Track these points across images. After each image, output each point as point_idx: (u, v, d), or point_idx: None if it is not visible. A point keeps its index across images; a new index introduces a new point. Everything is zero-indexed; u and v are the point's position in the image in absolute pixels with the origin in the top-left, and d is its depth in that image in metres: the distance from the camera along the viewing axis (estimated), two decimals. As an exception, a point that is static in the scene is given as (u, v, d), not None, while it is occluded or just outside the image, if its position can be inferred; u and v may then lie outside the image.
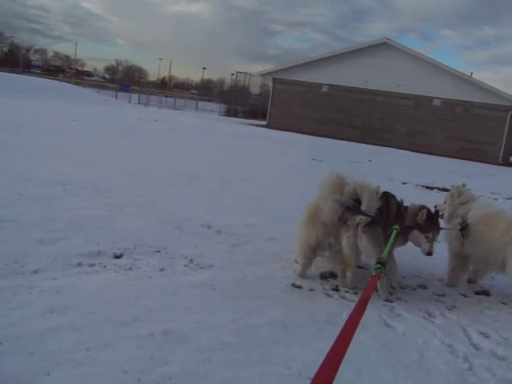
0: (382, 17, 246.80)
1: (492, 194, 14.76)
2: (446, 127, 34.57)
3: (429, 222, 5.17)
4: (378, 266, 3.73)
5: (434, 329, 4.41)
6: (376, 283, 3.68)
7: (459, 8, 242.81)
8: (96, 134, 16.47)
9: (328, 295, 4.94)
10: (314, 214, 5.24)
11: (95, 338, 3.42)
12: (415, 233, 5.19)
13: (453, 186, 6.05)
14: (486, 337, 4.39)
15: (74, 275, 4.55)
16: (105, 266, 4.88)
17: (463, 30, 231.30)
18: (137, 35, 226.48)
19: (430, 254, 5.14)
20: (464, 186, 5.95)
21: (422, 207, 5.28)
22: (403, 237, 5.24)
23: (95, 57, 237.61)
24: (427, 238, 5.13)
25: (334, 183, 5.32)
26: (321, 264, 5.74)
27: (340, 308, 4.59)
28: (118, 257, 5.18)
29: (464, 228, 5.51)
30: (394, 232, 4.84)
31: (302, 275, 5.33)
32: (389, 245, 4.46)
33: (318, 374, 1.85)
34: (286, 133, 33.22)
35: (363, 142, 33.96)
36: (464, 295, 5.47)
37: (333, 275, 5.48)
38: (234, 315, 4.09)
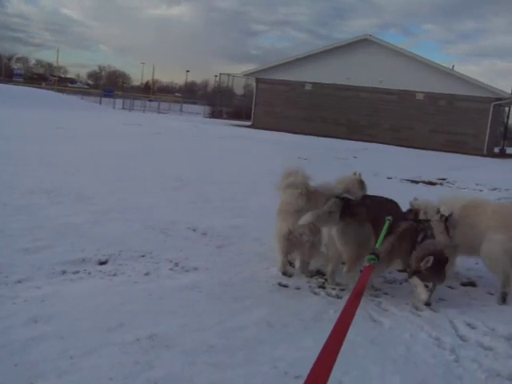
0: (363, 13, 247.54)
1: (477, 185, 14.86)
2: (430, 121, 34.77)
3: (433, 270, 4.59)
4: (372, 256, 3.75)
5: (421, 322, 4.42)
6: (370, 274, 3.69)
7: (440, 2, 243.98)
8: (80, 140, 16.42)
9: (314, 293, 4.94)
10: (280, 207, 5.45)
11: (80, 346, 3.40)
12: (415, 279, 4.74)
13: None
14: (473, 328, 4.40)
15: (58, 283, 4.52)
16: (89, 273, 4.86)
17: (444, 23, 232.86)
18: (119, 40, 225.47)
19: (428, 304, 4.68)
20: (416, 199, 5.92)
21: (432, 250, 4.65)
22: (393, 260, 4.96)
23: (78, 63, 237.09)
24: (427, 286, 4.67)
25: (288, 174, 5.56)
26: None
27: (327, 306, 4.58)
28: (102, 263, 5.16)
29: (447, 219, 5.53)
30: (387, 223, 4.74)
31: (283, 271, 5.37)
32: (381, 236, 4.45)
33: (316, 364, 1.89)
34: (270, 132, 33.23)
35: (349, 139, 34.05)
36: (451, 287, 5.48)
37: (319, 273, 5.49)
38: (219, 317, 4.07)
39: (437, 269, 4.60)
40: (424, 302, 4.67)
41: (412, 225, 4.90)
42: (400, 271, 5.16)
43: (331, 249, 5.20)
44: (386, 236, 4.70)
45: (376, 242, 4.71)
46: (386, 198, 5.33)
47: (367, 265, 3.76)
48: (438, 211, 5.56)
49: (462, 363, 3.72)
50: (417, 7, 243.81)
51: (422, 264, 4.58)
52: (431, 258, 4.53)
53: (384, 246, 4.67)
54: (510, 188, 14.89)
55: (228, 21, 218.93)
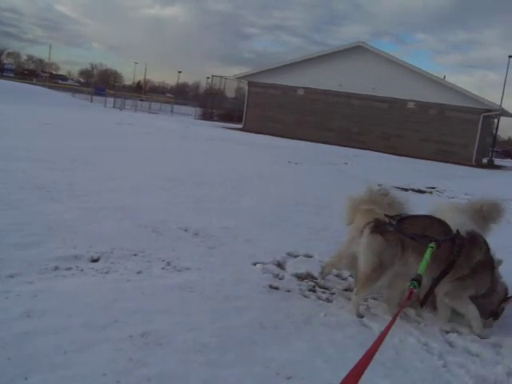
0: (357, 20, 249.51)
1: (466, 194, 14.97)
2: (420, 130, 35.01)
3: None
4: (414, 282, 3.74)
5: (410, 328, 4.48)
6: (410, 296, 3.73)
7: (432, 12, 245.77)
8: (71, 137, 16.36)
9: (305, 296, 4.97)
10: None
11: (73, 341, 3.41)
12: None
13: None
14: (460, 334, 4.46)
15: (50, 279, 4.52)
16: (82, 270, 4.86)
17: (437, 34, 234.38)
18: (112, 39, 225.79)
19: None
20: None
21: None
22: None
23: (70, 60, 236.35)
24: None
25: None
26: (298, 265, 5.79)
27: (317, 308, 4.62)
28: (95, 260, 5.16)
29: None
30: (429, 251, 4.33)
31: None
32: (424, 263, 4.15)
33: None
34: (261, 136, 33.33)
35: (339, 145, 34.21)
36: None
37: (310, 276, 5.53)
38: (211, 316, 4.10)
39: None
40: None
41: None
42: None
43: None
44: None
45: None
46: (432, 219, 4.83)
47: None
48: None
49: (449, 368, 3.78)
50: (410, 16, 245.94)
51: None
52: None
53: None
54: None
55: (222, 23, 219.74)
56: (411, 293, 3.69)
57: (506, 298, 4.61)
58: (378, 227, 4.60)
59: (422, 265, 4.13)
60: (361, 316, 4.58)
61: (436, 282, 4.52)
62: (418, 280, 3.81)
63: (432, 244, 4.40)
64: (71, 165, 10.66)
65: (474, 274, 4.48)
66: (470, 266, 4.47)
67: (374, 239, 4.56)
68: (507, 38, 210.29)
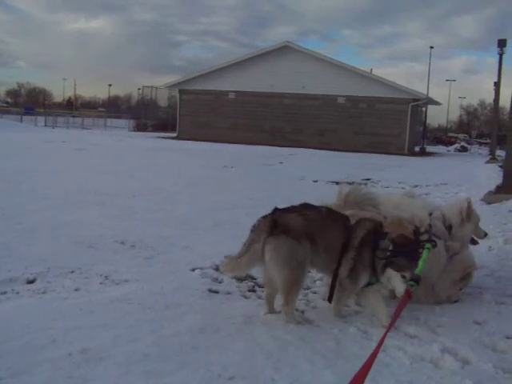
0: (284, 21, 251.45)
1: (399, 183, 15.41)
2: (353, 124, 35.70)
3: (407, 255, 4.27)
4: (411, 282, 3.87)
5: (349, 317, 4.59)
6: (408, 298, 3.85)
7: (356, 8, 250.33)
8: (2, 160, 15.98)
9: (245, 297, 5.03)
10: None
11: (10, 366, 3.34)
12: (389, 271, 4.28)
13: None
14: (400, 318, 4.56)
15: (-15, 306, 4.44)
16: (18, 293, 4.78)
17: (362, 29, 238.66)
18: (38, 56, 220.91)
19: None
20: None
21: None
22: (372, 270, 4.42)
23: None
24: (404, 277, 4.20)
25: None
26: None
27: (257, 308, 4.67)
28: (30, 282, 5.08)
29: None
30: (426, 251, 4.33)
31: None
32: (422, 263, 4.20)
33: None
34: (196, 143, 33.35)
35: (274, 145, 34.45)
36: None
37: (249, 276, 5.57)
38: (151, 326, 4.10)
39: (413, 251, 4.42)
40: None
41: None
42: None
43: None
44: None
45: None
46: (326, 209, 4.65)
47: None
48: None
49: (388, 352, 3.87)
50: (335, 14, 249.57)
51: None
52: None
53: None
54: (430, 184, 15.49)
55: (149, 33, 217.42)
56: (408, 293, 3.78)
57: None
58: (276, 227, 4.28)
59: (420, 265, 4.20)
60: (299, 322, 4.37)
61: (335, 275, 4.41)
62: (416, 280, 3.92)
63: (429, 245, 4.40)
64: (4, 187, 10.44)
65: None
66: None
67: (279, 241, 4.27)
68: (427, 30, 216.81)
